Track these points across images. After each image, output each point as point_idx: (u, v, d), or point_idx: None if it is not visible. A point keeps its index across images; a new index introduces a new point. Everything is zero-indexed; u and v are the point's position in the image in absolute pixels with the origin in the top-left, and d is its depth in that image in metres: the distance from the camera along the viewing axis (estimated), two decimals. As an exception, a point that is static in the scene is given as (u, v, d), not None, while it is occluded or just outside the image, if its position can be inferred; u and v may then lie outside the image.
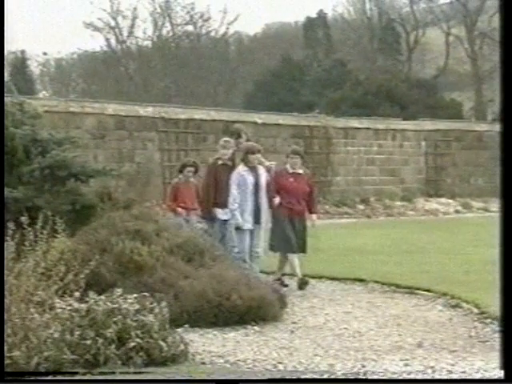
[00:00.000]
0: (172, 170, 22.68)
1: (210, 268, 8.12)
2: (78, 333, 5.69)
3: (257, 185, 9.93)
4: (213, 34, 55.35)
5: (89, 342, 5.63)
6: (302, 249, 10.34)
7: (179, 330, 6.19)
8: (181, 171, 11.30)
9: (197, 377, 5.51)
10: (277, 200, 10.11)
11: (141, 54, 53.90)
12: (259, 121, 25.01)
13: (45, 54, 52.37)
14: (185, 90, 48.61)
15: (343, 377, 5.65)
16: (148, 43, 55.00)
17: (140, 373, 5.57)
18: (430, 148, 28.80)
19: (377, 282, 10.07)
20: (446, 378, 5.18)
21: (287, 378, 5.31)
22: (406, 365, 6.01)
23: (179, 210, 10.88)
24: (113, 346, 5.67)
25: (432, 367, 5.92)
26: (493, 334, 7.22)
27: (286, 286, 9.98)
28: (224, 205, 10.06)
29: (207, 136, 23.37)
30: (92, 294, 6.07)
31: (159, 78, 50.28)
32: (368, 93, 43.68)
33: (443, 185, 28.79)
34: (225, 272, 7.97)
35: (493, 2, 58.41)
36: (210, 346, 6.58)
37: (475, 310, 8.10)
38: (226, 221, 10.12)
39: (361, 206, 25.38)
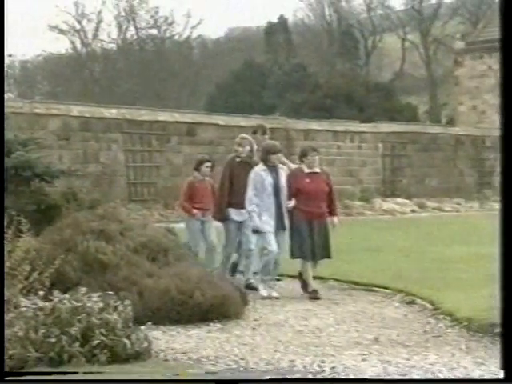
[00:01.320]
0: (136, 171, 22.62)
1: (174, 267, 8.08)
2: (42, 331, 5.63)
3: (276, 186, 9.20)
4: (177, 37, 55.25)
5: (53, 339, 5.57)
6: (323, 255, 9.32)
7: (143, 327, 6.14)
8: (196, 169, 10.25)
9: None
10: (291, 203, 9.14)
11: (105, 56, 53.58)
12: (221, 122, 24.97)
13: (10, 55, 51.72)
14: (149, 92, 48.40)
15: (304, 370, 5.67)
16: (113, 46, 54.67)
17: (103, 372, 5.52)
18: (387, 150, 29.00)
19: (336, 279, 10.09)
20: (444, 378, 5.08)
21: (288, 378, 5.15)
22: (364, 360, 6.04)
23: (195, 211, 10.00)
24: (77, 343, 5.62)
25: (388, 362, 5.97)
26: (446, 329, 7.29)
27: (317, 298, 8.95)
28: (239, 205, 9.50)
29: (171, 137, 23.30)
30: (57, 293, 6.01)
31: (124, 81, 50.02)
32: (327, 96, 43.91)
33: (399, 185, 29.02)
34: (188, 270, 7.94)
35: (446, 10, 59.30)
36: (173, 343, 6.55)
37: (429, 307, 8.17)
38: (240, 222, 9.68)
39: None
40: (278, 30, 53.91)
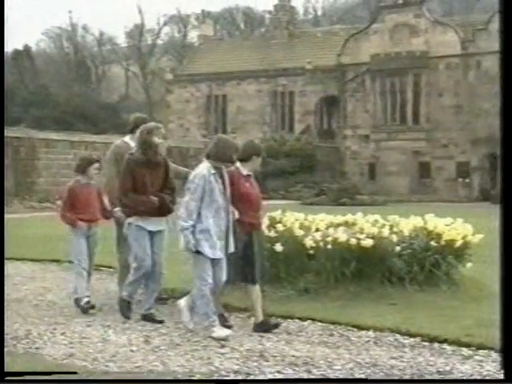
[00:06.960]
0: None
1: None
2: None
3: (226, 196, 5.48)
4: None
5: None
6: (263, 274, 5.97)
7: None
8: (83, 171, 6.83)
9: None
10: (235, 214, 5.57)
11: None
12: (-28, 132, 23.15)
13: None
14: None
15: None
16: None
17: None
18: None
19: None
20: (444, 378, 4.52)
21: (288, 378, 4.48)
22: (88, 326, 5.95)
23: (79, 223, 6.65)
24: None
25: (108, 326, 5.92)
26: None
27: (230, 327, 5.60)
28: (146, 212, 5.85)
29: None
30: None
31: None
32: (66, 112, 42.86)
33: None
34: None
35: (159, 49, 60.55)
36: None
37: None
38: (154, 232, 6.01)
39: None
40: (23, 56, 51.34)
